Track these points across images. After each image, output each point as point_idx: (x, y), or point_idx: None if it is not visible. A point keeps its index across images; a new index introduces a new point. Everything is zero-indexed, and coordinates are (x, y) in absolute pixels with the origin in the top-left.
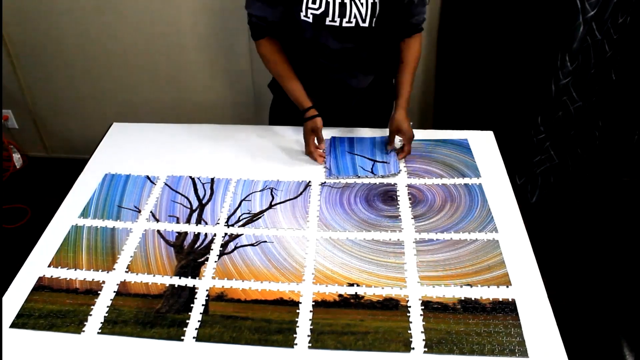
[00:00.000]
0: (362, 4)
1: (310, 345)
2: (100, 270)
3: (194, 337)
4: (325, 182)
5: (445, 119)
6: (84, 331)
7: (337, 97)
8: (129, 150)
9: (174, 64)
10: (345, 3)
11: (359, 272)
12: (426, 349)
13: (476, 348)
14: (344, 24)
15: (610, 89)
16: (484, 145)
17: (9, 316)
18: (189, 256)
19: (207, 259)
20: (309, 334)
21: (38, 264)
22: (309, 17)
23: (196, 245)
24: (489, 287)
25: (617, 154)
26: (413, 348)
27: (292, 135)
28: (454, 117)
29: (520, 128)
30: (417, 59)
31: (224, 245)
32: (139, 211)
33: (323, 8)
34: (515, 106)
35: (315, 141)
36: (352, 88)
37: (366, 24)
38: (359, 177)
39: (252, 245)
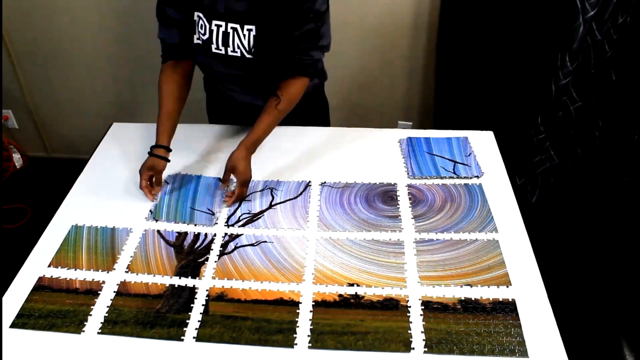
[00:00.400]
0: (244, 35)
1: (310, 345)
2: (100, 270)
3: (194, 337)
4: (325, 182)
5: (445, 119)
6: (84, 331)
7: (254, 116)
8: (129, 150)
9: None
10: (228, 33)
11: (359, 272)
12: (426, 349)
13: (476, 348)
14: (230, 53)
15: (610, 89)
16: (484, 145)
17: (9, 316)
18: (189, 256)
19: (207, 259)
20: (309, 334)
21: (38, 264)
22: (200, 41)
23: (196, 245)
24: (489, 287)
25: (617, 154)
26: (413, 348)
27: (292, 135)
28: (454, 117)
29: (520, 128)
30: (289, 104)
31: (224, 245)
32: (213, 213)
33: (207, 35)
34: (515, 106)
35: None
36: (259, 106)
37: (251, 55)
38: (442, 177)
39: (252, 245)
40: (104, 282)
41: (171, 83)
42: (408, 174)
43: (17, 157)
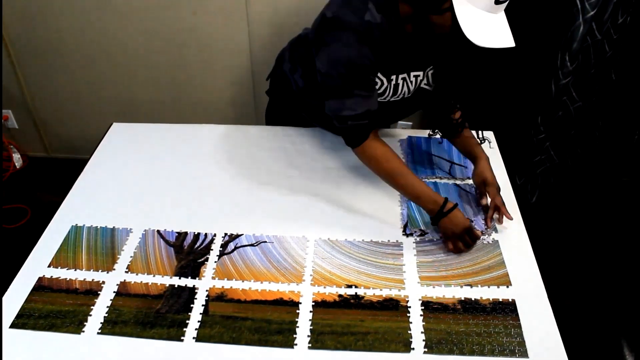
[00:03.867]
0: (411, 82)
1: (310, 345)
2: (100, 271)
3: (193, 338)
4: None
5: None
6: (83, 331)
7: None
8: (129, 150)
9: (174, 64)
10: (398, 84)
11: (358, 274)
12: (426, 350)
13: (476, 348)
14: (391, 99)
15: (610, 89)
16: (484, 145)
17: (9, 316)
18: (189, 256)
19: (207, 259)
20: (309, 334)
21: (38, 264)
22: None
23: (196, 246)
24: (489, 287)
25: (617, 154)
26: (413, 348)
27: (292, 135)
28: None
29: (520, 128)
30: None
31: (224, 246)
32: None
33: (382, 90)
34: (515, 106)
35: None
36: None
37: (409, 96)
38: (437, 177)
39: (252, 245)
40: (103, 282)
41: (391, 151)
42: None
43: (17, 157)
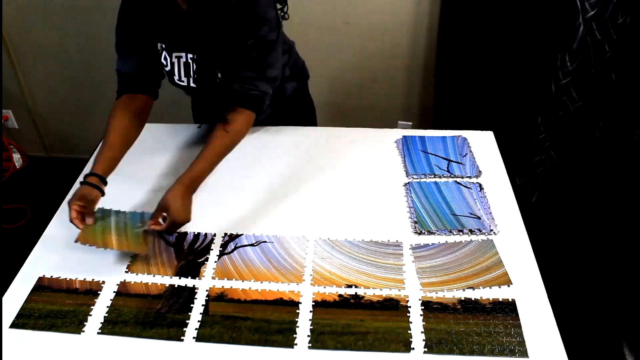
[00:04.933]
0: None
1: (310, 345)
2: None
3: (194, 337)
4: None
5: (445, 119)
6: (84, 331)
7: None
8: (129, 150)
9: None
10: (189, 63)
11: (358, 274)
12: (426, 349)
13: (476, 348)
14: (192, 85)
15: (610, 89)
16: (484, 145)
17: (9, 316)
18: (189, 256)
19: (207, 259)
20: (309, 334)
21: (38, 264)
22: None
23: (196, 246)
24: (490, 287)
25: (617, 154)
26: (413, 348)
27: (292, 135)
28: (454, 117)
29: (520, 128)
30: (234, 141)
31: (224, 246)
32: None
33: (169, 67)
34: (515, 106)
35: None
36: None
37: (194, 85)
38: (436, 175)
39: (252, 245)
40: (103, 282)
41: (122, 117)
42: (406, 173)
43: (17, 157)
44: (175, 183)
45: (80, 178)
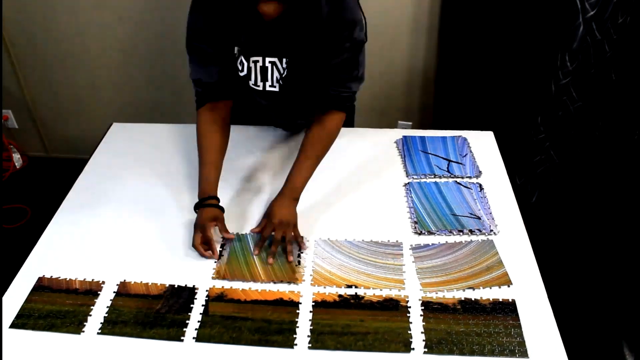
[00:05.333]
0: (284, 68)
1: (310, 345)
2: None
3: (193, 338)
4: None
5: (445, 119)
6: (83, 331)
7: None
8: (129, 150)
9: (174, 64)
10: (267, 67)
11: (357, 274)
12: (426, 350)
13: (476, 348)
14: (268, 88)
15: (610, 89)
16: (484, 145)
17: (9, 316)
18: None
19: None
20: (309, 334)
21: (38, 264)
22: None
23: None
24: (490, 288)
25: (617, 154)
26: (413, 348)
27: (292, 135)
28: (454, 117)
29: (520, 128)
30: (327, 147)
31: (223, 246)
32: None
33: (245, 72)
34: (515, 106)
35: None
36: (298, 123)
37: (277, 89)
38: (436, 175)
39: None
40: (103, 282)
41: (214, 133)
42: (406, 173)
43: (17, 157)
44: (280, 195)
45: (188, 202)
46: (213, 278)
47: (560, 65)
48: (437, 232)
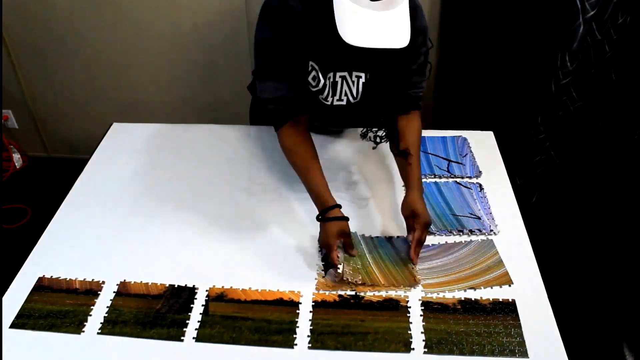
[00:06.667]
0: (352, 82)
1: (310, 345)
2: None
3: (193, 338)
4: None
5: (445, 119)
6: (83, 331)
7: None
8: (129, 150)
9: (174, 64)
10: (337, 82)
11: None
12: (426, 350)
13: (476, 348)
14: (335, 103)
15: (610, 89)
16: (484, 145)
17: (9, 316)
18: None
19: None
20: (309, 334)
21: (38, 264)
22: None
23: None
24: (492, 287)
25: (617, 154)
26: (413, 348)
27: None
28: (454, 117)
29: (520, 128)
30: (420, 138)
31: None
32: None
33: (320, 87)
34: (515, 106)
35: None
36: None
37: (356, 100)
38: (436, 175)
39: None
40: (103, 282)
41: (305, 142)
42: None
43: (17, 157)
44: (409, 190)
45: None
46: (317, 289)
47: (560, 65)
48: (437, 232)
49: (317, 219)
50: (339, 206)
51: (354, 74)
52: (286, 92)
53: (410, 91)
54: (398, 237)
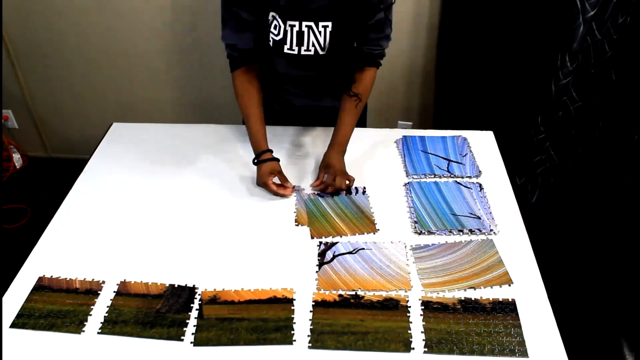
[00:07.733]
0: (319, 32)
1: (310, 345)
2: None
3: (191, 342)
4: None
5: (445, 119)
6: (84, 331)
7: (308, 119)
8: (129, 150)
9: (174, 64)
10: (303, 31)
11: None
12: (426, 349)
13: (476, 348)
14: (303, 52)
15: (610, 89)
16: (484, 145)
17: (9, 316)
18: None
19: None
20: (309, 333)
21: (38, 264)
22: (270, 42)
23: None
24: (492, 287)
25: (617, 154)
26: (413, 348)
27: (293, 135)
28: (454, 117)
29: (520, 128)
30: (366, 99)
31: (322, 254)
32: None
33: (281, 36)
34: (515, 106)
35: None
36: (320, 107)
37: (324, 52)
38: (436, 175)
39: (350, 253)
40: (103, 282)
41: (252, 90)
42: (406, 173)
43: (17, 157)
44: (329, 147)
45: (247, 158)
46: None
47: (560, 66)
48: (437, 232)
49: (253, 162)
50: (271, 151)
51: (321, 23)
52: (238, 42)
53: (364, 47)
54: (356, 194)
